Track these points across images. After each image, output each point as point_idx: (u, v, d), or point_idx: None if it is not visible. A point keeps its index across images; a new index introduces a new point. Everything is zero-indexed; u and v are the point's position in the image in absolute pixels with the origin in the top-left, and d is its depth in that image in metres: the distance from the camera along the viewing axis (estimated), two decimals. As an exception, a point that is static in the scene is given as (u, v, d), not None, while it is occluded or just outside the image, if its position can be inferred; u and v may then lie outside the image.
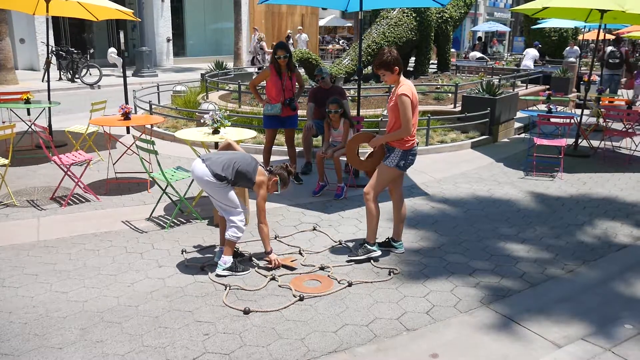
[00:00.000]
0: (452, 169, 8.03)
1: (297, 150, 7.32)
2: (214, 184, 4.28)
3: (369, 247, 4.79)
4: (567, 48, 20.00)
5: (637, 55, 32.73)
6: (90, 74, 17.11)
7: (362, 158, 5.05)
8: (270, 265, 4.57)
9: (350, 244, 5.17)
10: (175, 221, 5.65)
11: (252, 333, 3.65)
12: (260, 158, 7.46)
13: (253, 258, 4.79)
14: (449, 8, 14.99)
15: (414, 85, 12.89)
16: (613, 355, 3.32)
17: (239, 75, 14.47)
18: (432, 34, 14.48)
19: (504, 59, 25.53)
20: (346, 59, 13.06)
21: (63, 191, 6.49)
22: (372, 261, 4.77)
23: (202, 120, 6.32)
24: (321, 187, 6.63)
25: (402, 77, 4.58)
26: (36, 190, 6.60)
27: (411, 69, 15.53)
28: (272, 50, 6.92)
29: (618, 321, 3.77)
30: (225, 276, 4.42)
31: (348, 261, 4.76)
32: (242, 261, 4.65)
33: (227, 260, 4.46)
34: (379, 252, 4.82)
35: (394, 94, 4.53)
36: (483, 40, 31.99)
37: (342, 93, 7.18)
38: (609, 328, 3.66)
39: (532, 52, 17.88)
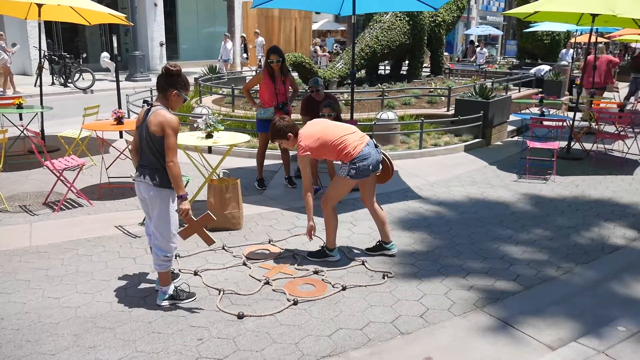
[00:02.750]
0: (445, 172, 8.05)
1: (290, 154, 7.31)
2: (160, 193, 3.79)
3: (327, 251, 4.86)
4: (564, 50, 20.11)
5: (629, 58, 32.98)
6: (83, 79, 17.05)
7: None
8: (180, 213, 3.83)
9: (345, 248, 5.17)
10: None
11: (246, 338, 3.64)
12: (253, 162, 7.45)
13: (246, 263, 4.78)
14: (442, 12, 15.04)
15: (408, 88, 12.89)
16: (606, 357, 3.33)
17: (232, 79, 14.47)
18: (425, 38, 14.53)
19: (497, 62, 25.65)
20: (339, 63, 13.08)
21: (56, 196, 6.46)
22: (365, 264, 4.78)
23: (195, 125, 6.30)
24: (315, 190, 6.62)
25: (300, 133, 4.59)
26: (28, 196, 6.56)
27: (404, 72, 15.57)
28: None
29: (611, 323, 3.78)
30: (167, 306, 4.01)
31: (308, 254, 4.92)
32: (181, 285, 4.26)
33: (166, 289, 4.03)
34: (336, 257, 4.88)
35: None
36: (476, 43, 32.11)
37: (335, 101, 7.18)
38: (603, 330, 3.68)
39: (544, 68, 17.85)
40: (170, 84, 3.80)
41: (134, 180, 3.94)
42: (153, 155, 3.77)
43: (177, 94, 3.82)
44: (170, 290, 4.05)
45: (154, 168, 3.78)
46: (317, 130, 4.56)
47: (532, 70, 17.24)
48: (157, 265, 3.94)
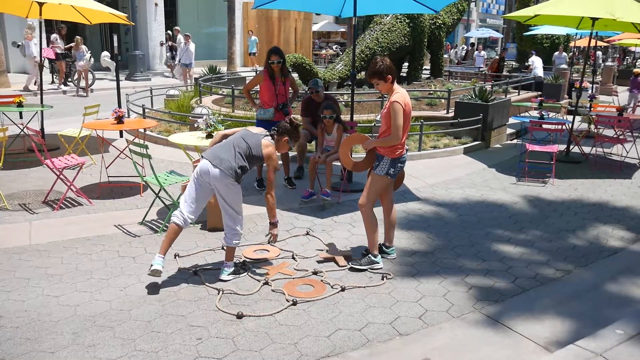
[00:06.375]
0: (444, 175, 8.06)
1: (290, 155, 7.32)
2: (232, 185, 4.25)
3: (372, 258, 4.75)
4: (556, 53, 20.19)
5: (629, 61, 33.01)
6: (83, 78, 17.03)
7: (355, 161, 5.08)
8: (270, 238, 4.58)
9: (342, 249, 5.18)
10: (168, 225, 5.62)
11: (245, 337, 3.65)
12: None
13: (246, 262, 4.79)
14: (442, 14, 15.07)
15: (407, 91, 12.90)
16: None
17: (232, 79, 14.47)
18: (425, 40, 14.55)
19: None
20: (340, 64, 13.10)
21: (55, 195, 6.46)
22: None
23: (195, 125, 6.32)
24: (310, 194, 6.62)
25: (396, 85, 4.56)
26: (28, 194, 6.57)
27: (404, 74, 15.59)
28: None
29: (609, 326, 3.79)
30: (229, 280, 4.45)
31: (350, 269, 4.73)
32: (241, 265, 4.68)
33: (230, 264, 4.50)
34: (381, 264, 4.78)
35: (388, 102, 4.53)
36: (476, 46, 32.18)
37: (335, 102, 7.19)
38: (601, 333, 3.68)
39: (538, 61, 17.82)
40: (288, 133, 4.49)
41: (204, 157, 4.29)
42: (242, 160, 4.29)
43: (288, 141, 4.51)
44: (232, 266, 4.51)
45: (237, 168, 4.25)
46: (409, 101, 4.53)
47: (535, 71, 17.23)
48: (229, 239, 4.41)
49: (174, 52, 21.31)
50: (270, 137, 4.45)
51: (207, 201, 4.50)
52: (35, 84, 15.52)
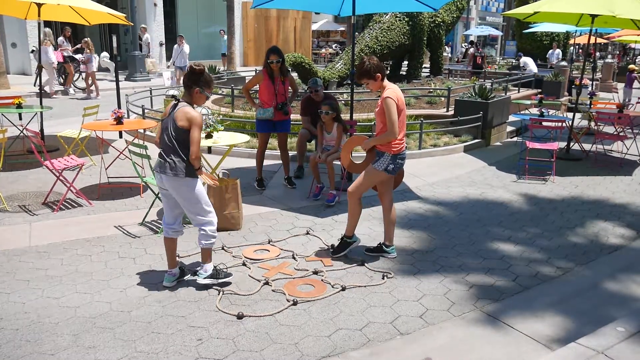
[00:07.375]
0: (444, 173, 8.05)
1: (290, 154, 7.31)
2: (185, 184, 4.03)
3: (348, 240, 4.95)
4: (550, 51, 20.22)
5: (628, 59, 32.97)
6: (82, 79, 17.03)
7: (356, 162, 5.08)
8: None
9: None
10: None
11: (245, 338, 3.64)
12: (253, 162, 7.45)
13: (246, 263, 4.78)
14: (442, 12, 15.06)
15: (407, 89, 12.89)
16: (605, 357, 3.33)
17: (231, 79, 14.46)
18: (425, 38, 14.54)
19: (496, 62, 25.67)
20: (339, 63, 13.09)
21: (55, 196, 6.46)
22: (365, 265, 4.78)
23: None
24: (320, 189, 6.63)
25: (386, 82, 4.64)
26: (28, 195, 6.56)
27: (404, 73, 15.58)
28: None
29: (610, 324, 3.78)
30: (207, 284, 4.28)
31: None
32: (221, 268, 4.45)
33: (207, 267, 4.29)
34: (359, 242, 5.04)
35: (380, 99, 4.60)
36: (468, 45, 32.20)
37: (335, 101, 7.18)
38: (602, 331, 3.67)
39: (530, 61, 17.88)
40: (194, 82, 4.07)
41: (155, 171, 4.15)
42: (176, 147, 4.01)
43: (200, 91, 4.09)
44: (210, 269, 4.29)
45: (177, 159, 4.01)
46: (401, 96, 4.60)
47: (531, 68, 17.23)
48: (204, 241, 4.20)
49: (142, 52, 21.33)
50: (179, 103, 4.06)
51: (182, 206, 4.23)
52: (35, 85, 15.53)
